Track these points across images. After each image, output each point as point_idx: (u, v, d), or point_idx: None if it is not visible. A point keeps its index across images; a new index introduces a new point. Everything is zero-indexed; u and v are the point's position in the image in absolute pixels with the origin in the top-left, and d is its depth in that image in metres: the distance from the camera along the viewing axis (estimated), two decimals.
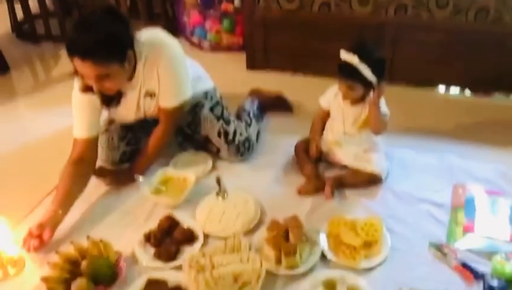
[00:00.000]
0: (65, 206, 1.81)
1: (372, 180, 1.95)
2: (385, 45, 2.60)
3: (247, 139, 2.15)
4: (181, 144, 2.27)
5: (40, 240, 1.70)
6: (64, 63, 3.25)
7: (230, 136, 2.12)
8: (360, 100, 1.93)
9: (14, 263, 1.68)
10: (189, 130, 2.19)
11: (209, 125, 2.13)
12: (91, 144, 1.95)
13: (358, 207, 1.87)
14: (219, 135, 2.12)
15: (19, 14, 3.62)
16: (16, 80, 3.14)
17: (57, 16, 3.52)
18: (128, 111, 2.04)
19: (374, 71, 1.79)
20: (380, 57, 1.86)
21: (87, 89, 1.84)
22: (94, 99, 1.89)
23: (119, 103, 1.96)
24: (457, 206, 1.83)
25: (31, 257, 1.70)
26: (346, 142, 2.00)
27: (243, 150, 2.13)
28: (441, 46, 2.57)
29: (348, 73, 1.83)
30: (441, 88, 2.75)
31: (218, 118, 2.14)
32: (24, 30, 3.67)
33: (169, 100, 1.98)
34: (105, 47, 1.68)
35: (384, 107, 1.90)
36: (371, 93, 1.85)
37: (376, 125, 1.90)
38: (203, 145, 2.20)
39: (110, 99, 1.93)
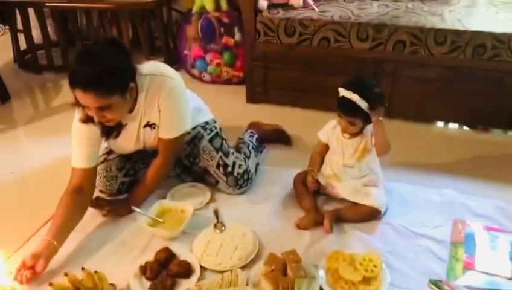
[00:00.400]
0: (60, 237, 1.78)
1: (371, 215, 1.94)
2: (384, 80, 2.63)
3: (246, 172, 2.15)
4: (179, 175, 2.26)
5: (33, 271, 1.67)
6: (65, 93, 3.27)
7: (229, 168, 2.11)
8: (359, 132, 1.94)
9: None
10: (187, 162, 2.19)
11: (208, 157, 2.13)
12: (89, 175, 1.94)
13: (357, 241, 1.85)
14: (218, 166, 2.12)
15: (22, 44, 3.68)
16: (17, 109, 3.16)
17: (60, 47, 3.57)
18: (127, 142, 2.04)
19: (374, 105, 1.81)
20: (379, 92, 1.88)
21: (87, 119, 1.85)
22: (94, 130, 1.90)
23: (119, 135, 1.96)
24: (457, 242, 1.82)
25: (23, 288, 1.67)
26: (345, 175, 2.00)
27: (242, 182, 2.13)
28: (438, 82, 2.60)
29: (348, 109, 1.85)
30: (440, 124, 2.76)
31: (217, 150, 2.14)
32: (26, 60, 3.71)
33: (169, 131, 1.99)
34: (107, 79, 1.69)
35: None
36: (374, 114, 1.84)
37: (381, 144, 1.88)
38: (202, 176, 2.19)
39: (111, 131, 1.93)
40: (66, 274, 1.62)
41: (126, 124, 1.95)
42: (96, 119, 1.79)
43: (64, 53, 3.55)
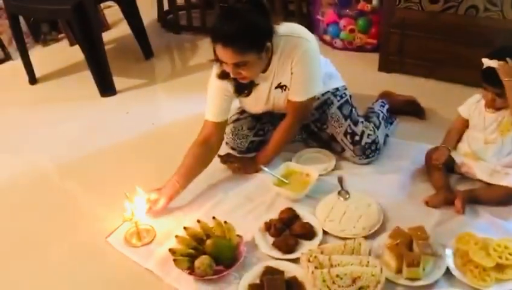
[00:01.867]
0: (184, 181, 1.93)
1: (509, 198, 1.79)
2: None
3: (374, 142, 2.10)
4: (305, 140, 2.28)
5: (154, 207, 1.86)
6: (201, 53, 3.44)
7: (357, 137, 2.08)
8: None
9: (147, 232, 1.82)
10: (315, 127, 2.19)
11: (336, 124, 2.11)
12: (218, 129, 2.03)
13: (492, 226, 1.73)
14: (345, 134, 2.09)
15: (166, 5, 3.90)
16: (157, 66, 3.39)
17: (199, 9, 3.72)
18: (258, 101, 2.09)
19: None
20: None
21: (223, 75, 1.92)
22: (228, 86, 1.97)
23: (250, 93, 2.02)
24: None
25: (161, 229, 1.83)
26: (485, 154, 1.87)
27: (369, 152, 2.08)
28: None
29: (495, 80, 1.71)
30: None
31: (346, 118, 2.11)
32: (168, 20, 3.94)
33: (299, 94, 2.00)
34: (246, 36, 1.74)
35: None
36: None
37: None
38: (328, 143, 2.18)
39: (243, 88, 1.99)
40: (198, 221, 1.74)
41: (258, 84, 2.00)
42: (231, 75, 1.85)
43: (203, 15, 3.69)
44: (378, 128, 2.18)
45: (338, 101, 2.14)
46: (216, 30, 1.76)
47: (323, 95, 2.13)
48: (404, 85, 2.66)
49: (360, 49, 3.20)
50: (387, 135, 2.24)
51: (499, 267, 1.53)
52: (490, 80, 1.74)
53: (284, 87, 2.01)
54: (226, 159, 2.12)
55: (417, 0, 2.60)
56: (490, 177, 1.85)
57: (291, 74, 1.95)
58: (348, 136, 2.09)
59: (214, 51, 1.81)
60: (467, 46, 2.54)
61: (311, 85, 2.00)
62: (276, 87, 2.02)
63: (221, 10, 1.86)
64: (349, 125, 2.10)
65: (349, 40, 3.20)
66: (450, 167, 1.96)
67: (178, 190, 1.92)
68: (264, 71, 1.94)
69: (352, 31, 3.15)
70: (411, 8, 2.64)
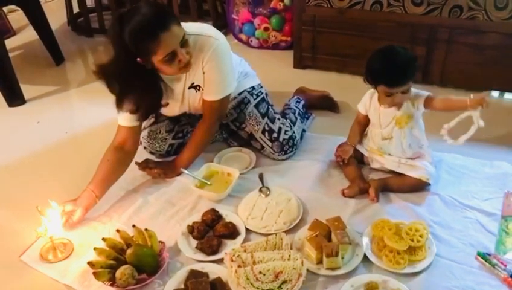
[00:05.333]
0: (100, 190, 1.87)
1: (418, 186, 1.90)
2: (437, 47, 2.54)
3: (291, 138, 2.14)
4: (226, 139, 2.29)
5: (70, 219, 1.79)
6: None
7: (275, 134, 2.12)
8: None
9: (64, 246, 1.74)
10: (234, 127, 2.20)
11: (253, 122, 2.14)
12: (132, 133, 1.97)
13: (403, 211, 1.83)
14: (263, 132, 2.12)
15: (76, 8, 3.76)
16: (70, 71, 3.26)
17: (111, 10, 3.61)
18: (173, 103, 2.05)
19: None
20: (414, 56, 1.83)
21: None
22: None
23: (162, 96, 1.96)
24: (508, 215, 1.76)
25: (79, 241, 1.76)
26: (388, 149, 1.95)
27: (287, 148, 2.13)
28: (495, 50, 2.47)
29: (399, 75, 1.78)
30: (495, 93, 2.65)
31: (263, 116, 2.14)
32: (79, 23, 3.79)
33: (213, 94, 1.99)
34: None
35: None
36: None
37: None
38: (248, 141, 2.21)
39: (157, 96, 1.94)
40: (118, 231, 1.70)
41: (171, 85, 1.95)
42: (181, 63, 1.77)
43: None
44: (294, 124, 2.23)
45: (254, 99, 2.17)
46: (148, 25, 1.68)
47: (239, 94, 2.15)
48: (318, 81, 2.74)
49: (275, 47, 3.26)
50: (304, 130, 2.30)
51: (411, 250, 1.62)
52: (394, 78, 1.78)
53: (198, 87, 1.99)
54: (144, 165, 2.07)
55: None
56: (399, 168, 1.94)
57: (203, 73, 1.93)
58: (266, 134, 2.12)
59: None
60: (374, 40, 2.66)
61: (224, 84, 1.99)
62: (189, 88, 1.99)
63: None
64: (266, 123, 2.13)
65: (265, 38, 3.25)
66: (360, 159, 2.05)
67: (94, 200, 1.85)
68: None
69: (266, 29, 3.20)
70: (321, 5, 2.72)
